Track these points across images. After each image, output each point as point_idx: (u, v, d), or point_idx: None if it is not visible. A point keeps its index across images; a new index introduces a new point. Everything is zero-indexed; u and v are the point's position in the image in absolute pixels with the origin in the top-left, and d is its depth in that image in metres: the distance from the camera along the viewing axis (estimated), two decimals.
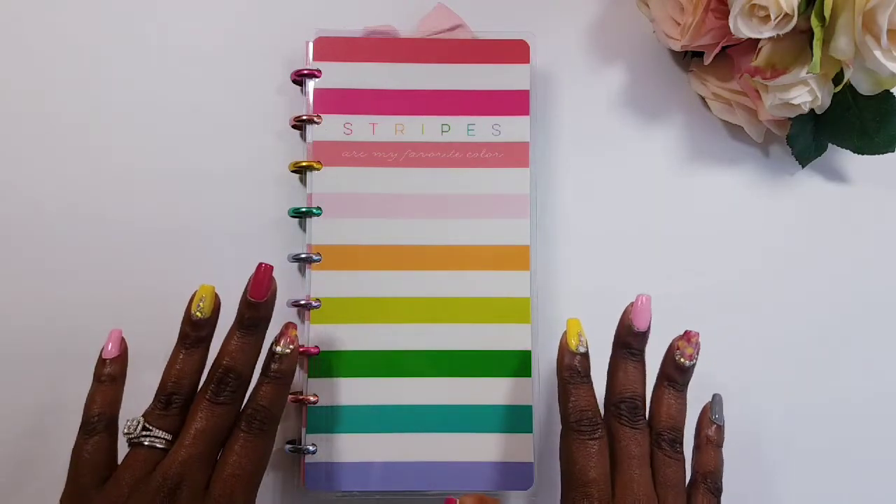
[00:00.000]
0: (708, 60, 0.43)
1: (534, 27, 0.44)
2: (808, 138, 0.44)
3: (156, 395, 0.35)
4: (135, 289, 0.43)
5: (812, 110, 0.41)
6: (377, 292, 0.42)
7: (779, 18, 0.38)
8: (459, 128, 0.43)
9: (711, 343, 0.44)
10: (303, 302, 0.41)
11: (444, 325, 0.41)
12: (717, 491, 0.36)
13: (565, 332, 0.36)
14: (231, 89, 0.45)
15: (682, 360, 0.36)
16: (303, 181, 0.44)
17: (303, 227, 0.43)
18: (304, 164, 0.42)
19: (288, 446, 0.41)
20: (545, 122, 0.46)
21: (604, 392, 0.37)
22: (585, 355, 0.36)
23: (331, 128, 0.42)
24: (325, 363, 0.41)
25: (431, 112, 0.43)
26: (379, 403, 0.41)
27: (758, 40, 0.40)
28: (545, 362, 0.43)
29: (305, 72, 0.42)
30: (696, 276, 0.45)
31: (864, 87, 0.40)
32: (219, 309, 0.35)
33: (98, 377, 0.35)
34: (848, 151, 0.44)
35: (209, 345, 0.36)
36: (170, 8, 0.45)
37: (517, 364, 0.41)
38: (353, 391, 0.41)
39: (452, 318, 0.42)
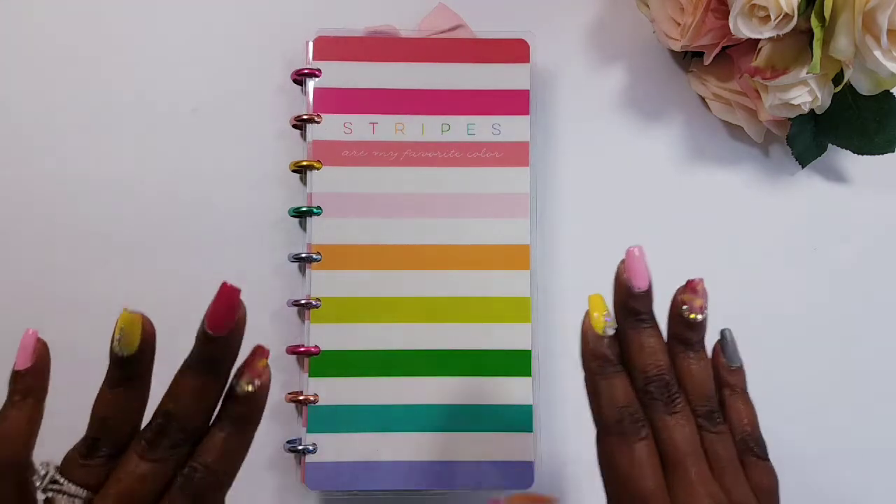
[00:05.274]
0: (708, 60, 0.43)
1: (534, 27, 0.44)
2: (808, 138, 0.44)
3: (82, 438, 0.27)
4: (135, 289, 0.43)
5: (812, 110, 0.41)
6: (377, 292, 0.42)
7: (779, 18, 0.38)
8: (459, 127, 0.43)
9: (710, 342, 0.45)
10: (303, 302, 0.41)
11: (444, 325, 0.41)
12: (764, 453, 0.30)
13: (587, 313, 0.29)
14: (231, 89, 0.45)
15: (691, 315, 0.29)
16: (303, 181, 0.44)
17: (303, 226, 0.43)
18: (304, 163, 0.42)
19: (288, 446, 0.41)
20: (545, 121, 0.46)
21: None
22: (615, 339, 0.29)
23: (331, 127, 0.42)
24: (325, 363, 0.41)
25: (431, 112, 0.43)
26: (379, 403, 0.41)
27: (758, 40, 0.40)
28: (545, 361, 0.43)
29: (305, 71, 0.42)
30: (695, 276, 0.45)
31: (864, 87, 0.40)
32: (150, 340, 0.26)
33: (11, 396, 0.27)
34: (848, 151, 0.44)
35: (148, 383, 0.27)
36: (170, 8, 0.45)
37: (517, 363, 0.41)
38: (353, 391, 0.41)
39: (452, 318, 0.42)
